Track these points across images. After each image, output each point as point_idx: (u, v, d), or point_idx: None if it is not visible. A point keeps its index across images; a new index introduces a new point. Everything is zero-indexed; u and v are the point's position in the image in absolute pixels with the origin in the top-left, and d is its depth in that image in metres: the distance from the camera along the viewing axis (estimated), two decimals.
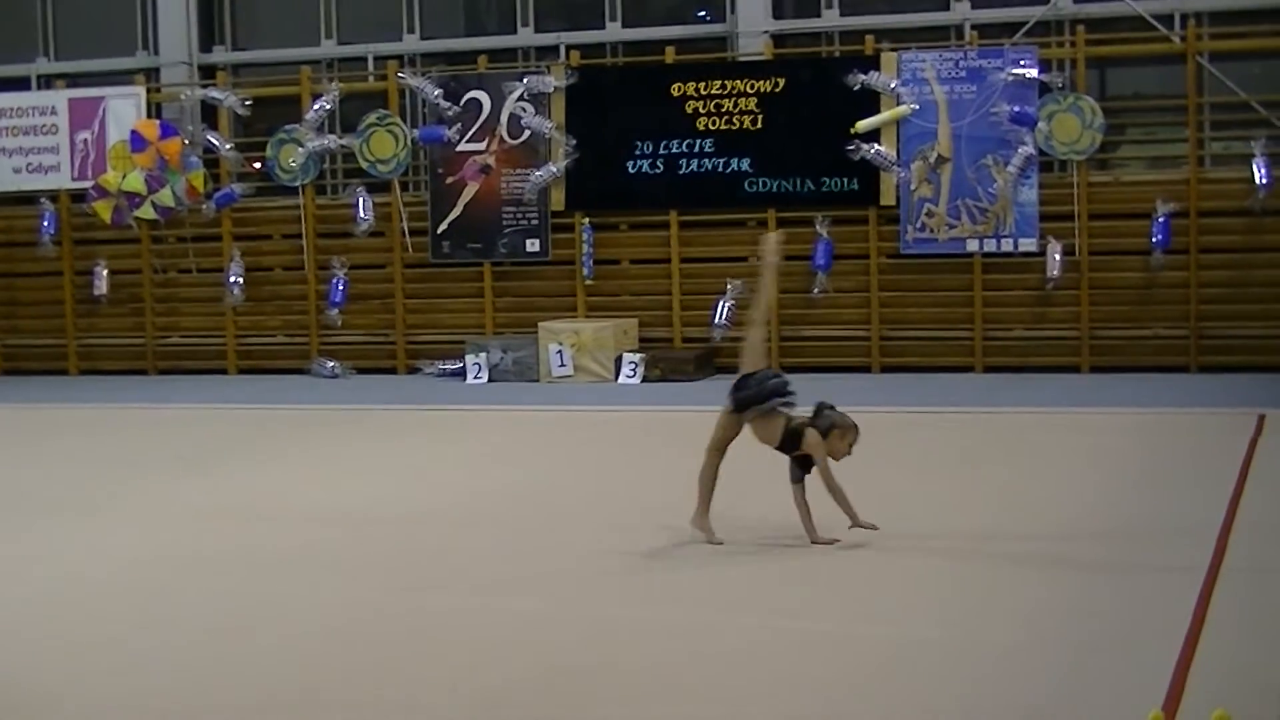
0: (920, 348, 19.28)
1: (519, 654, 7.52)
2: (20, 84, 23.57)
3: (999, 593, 8.51)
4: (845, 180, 19.32)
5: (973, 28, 20.14)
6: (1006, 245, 18.92)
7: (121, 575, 9.40)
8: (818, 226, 19.26)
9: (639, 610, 8.30)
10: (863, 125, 18.98)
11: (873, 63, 19.23)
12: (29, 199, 22.04)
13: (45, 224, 21.73)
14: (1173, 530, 9.95)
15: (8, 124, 21.99)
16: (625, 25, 21.97)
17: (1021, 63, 18.74)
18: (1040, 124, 18.58)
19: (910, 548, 9.59)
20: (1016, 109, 18.60)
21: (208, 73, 23.13)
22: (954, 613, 8.12)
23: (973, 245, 18.97)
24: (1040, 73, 18.75)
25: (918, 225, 19.14)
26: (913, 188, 19.09)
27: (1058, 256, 18.63)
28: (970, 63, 18.97)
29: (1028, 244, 18.84)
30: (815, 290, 19.30)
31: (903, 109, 19.03)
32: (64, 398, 19.41)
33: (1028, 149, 18.61)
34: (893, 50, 19.40)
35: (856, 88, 19.06)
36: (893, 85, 19.05)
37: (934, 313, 19.38)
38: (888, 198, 19.25)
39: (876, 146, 19.05)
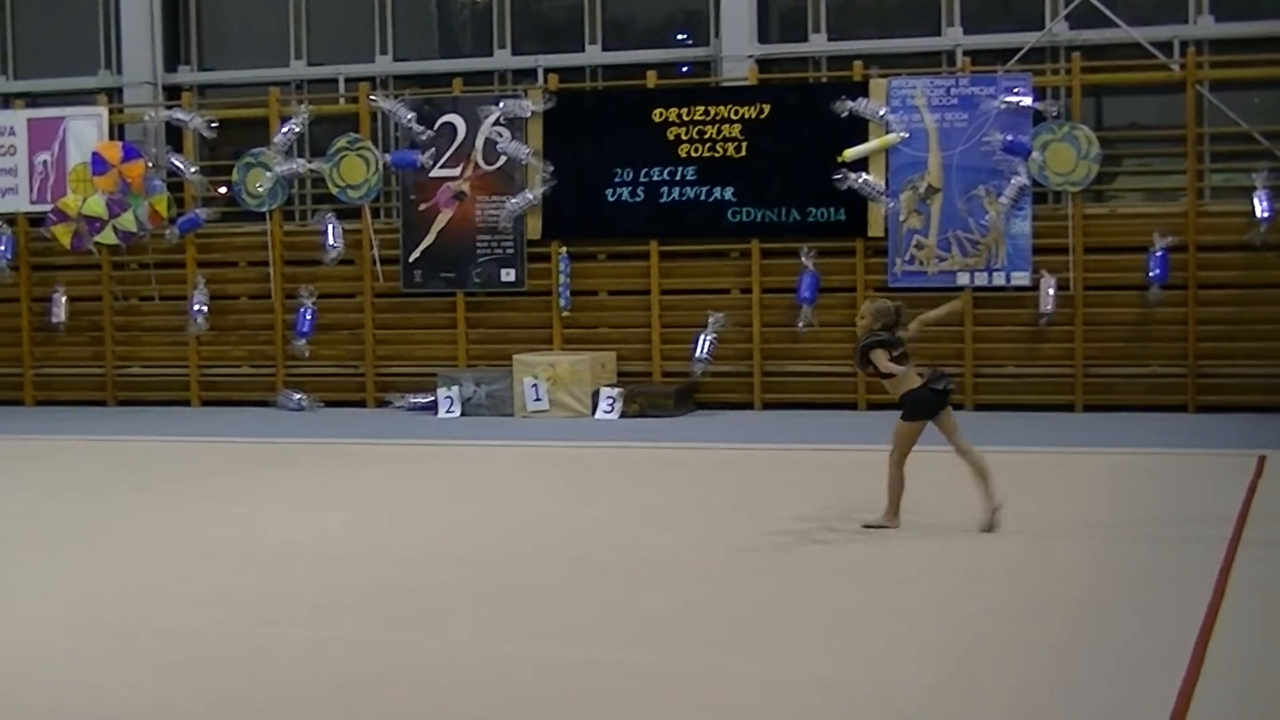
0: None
1: (488, 697, 7.51)
2: None
3: (990, 638, 8.49)
4: (832, 210, 19.36)
5: (965, 53, 20.22)
6: (998, 279, 18.97)
7: (77, 612, 9.35)
8: (803, 258, 19.30)
9: (605, 651, 8.29)
10: (850, 154, 19.03)
11: (861, 89, 19.29)
12: None
13: (1, 248, 21.72)
14: (1168, 579, 9.96)
15: None
16: (605, 48, 22.05)
17: (1015, 90, 18.82)
18: (1034, 154, 18.63)
19: (893, 587, 9.60)
20: (1010, 138, 18.66)
21: (173, 93, 23.15)
22: (943, 656, 8.12)
23: (963, 278, 18.98)
24: (1034, 101, 18.82)
25: (906, 257, 19.18)
26: (901, 219, 19.14)
27: (1051, 291, 18.69)
28: (962, 90, 19.04)
29: (1020, 278, 18.89)
30: (800, 324, 19.33)
31: (892, 137, 19.09)
32: (19, 429, 19.32)
33: (1021, 179, 18.67)
34: (882, 76, 19.47)
35: (844, 115, 19.12)
36: (881, 112, 19.12)
37: (923, 348, 19.24)
38: (876, 229, 19.29)
39: (864, 176, 19.10)
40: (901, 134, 19.09)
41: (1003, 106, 18.77)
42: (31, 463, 16.62)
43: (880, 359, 11.24)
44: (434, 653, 8.34)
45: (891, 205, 19.11)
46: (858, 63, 19.79)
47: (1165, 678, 7.47)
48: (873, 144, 19.14)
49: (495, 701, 7.45)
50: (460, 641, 8.58)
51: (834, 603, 9.36)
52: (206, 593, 9.85)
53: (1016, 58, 19.73)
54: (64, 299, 21.76)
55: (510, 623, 8.98)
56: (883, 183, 19.14)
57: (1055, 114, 18.82)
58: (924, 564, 10.40)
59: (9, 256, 21.79)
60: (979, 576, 10.05)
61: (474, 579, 10.17)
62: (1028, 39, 19.92)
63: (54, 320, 21.82)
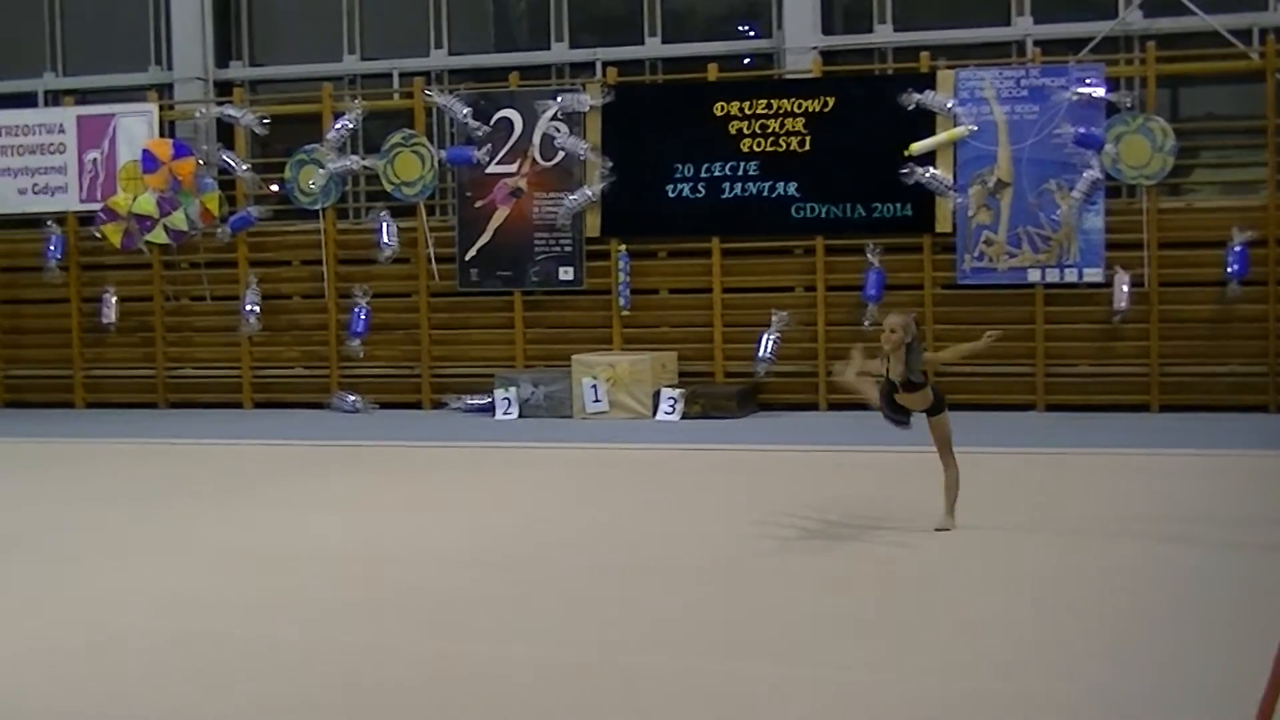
0: (978, 384, 19.12)
1: (541, 707, 7.45)
2: (26, 100, 23.72)
3: (1053, 647, 8.38)
4: (898, 206, 19.25)
5: (1035, 43, 20.09)
6: (1070, 275, 18.82)
7: (125, 619, 9.34)
8: (869, 255, 19.19)
9: (661, 658, 8.21)
10: (917, 147, 18.90)
11: (928, 81, 19.16)
12: (35, 222, 22.10)
13: (51, 248, 21.80)
14: (1249, 586, 9.81)
15: (13, 143, 22.08)
16: (665, 40, 21.99)
17: (1087, 81, 18.65)
18: (1107, 146, 18.48)
19: (963, 595, 9.50)
20: (1082, 130, 18.51)
21: (224, 89, 23.21)
22: (1006, 665, 8.01)
23: (1034, 275, 18.88)
24: (1107, 91, 18.66)
25: (975, 254, 19.06)
26: (970, 214, 19.01)
27: (1125, 288, 18.52)
28: (1032, 81, 18.89)
29: (1093, 274, 18.74)
30: (865, 323, 19.18)
31: (960, 130, 18.96)
32: (70, 432, 19.41)
33: (1093, 173, 18.51)
34: (949, 67, 19.33)
35: (910, 107, 18.98)
36: (949, 105, 18.99)
37: (993, 347, 19.14)
38: (943, 225, 19.16)
39: (932, 170, 18.98)
40: (970, 127, 18.95)
41: (1075, 98, 18.60)
42: (82, 467, 16.64)
43: (932, 363, 11.68)
44: (485, 659, 8.27)
45: (960, 200, 18.98)
46: (924, 54, 19.66)
47: (1244, 692, 7.34)
48: (940, 137, 19.01)
49: (549, 709, 7.40)
50: (509, 648, 8.50)
51: (911, 612, 9.25)
52: (255, 598, 9.83)
53: (1089, 47, 19.57)
54: (114, 299, 21.83)
55: (568, 629, 8.91)
56: (951, 177, 19.01)
57: (1129, 105, 18.65)
58: (996, 569, 10.28)
59: (59, 256, 21.86)
60: (1053, 581, 9.92)
61: (529, 585, 10.11)
62: (1100, 28, 19.76)
63: (104, 321, 21.89)
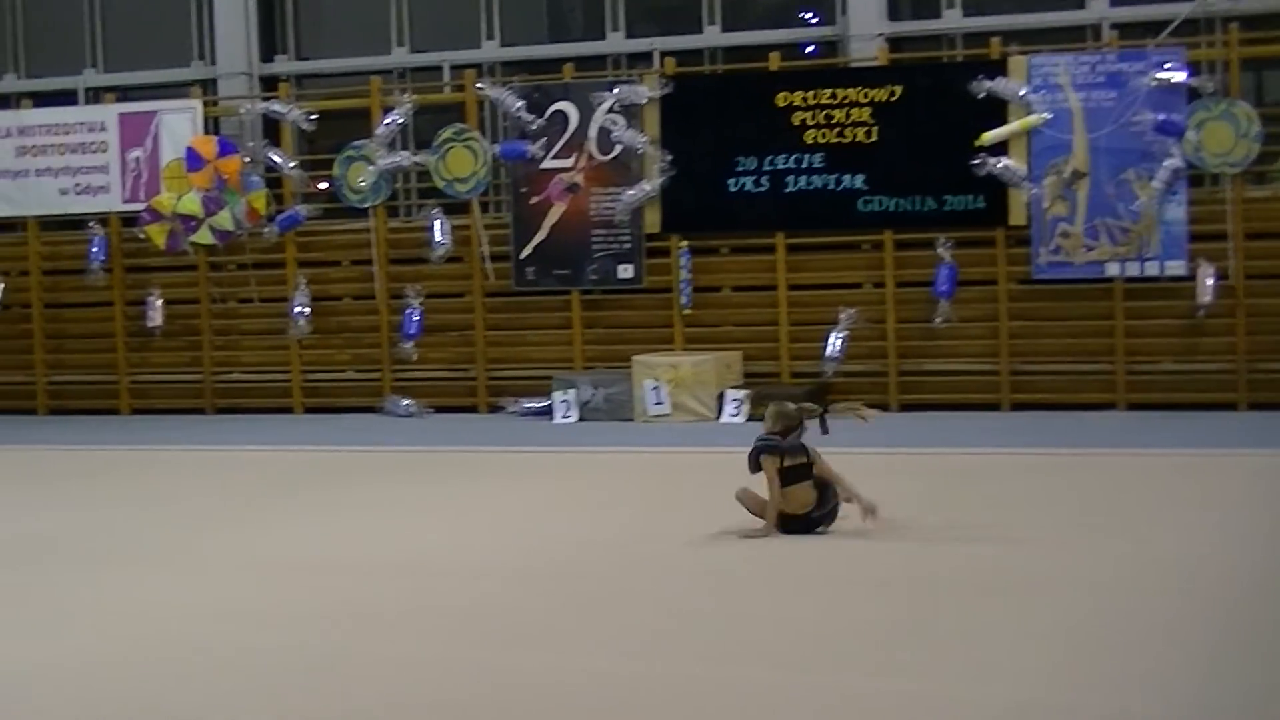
0: (1055, 383, 19.03)
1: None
2: (67, 98, 23.85)
3: (1121, 654, 8.25)
4: (970, 198, 19.14)
5: (1111, 27, 20.00)
6: (1151, 269, 18.67)
7: (173, 630, 9.30)
8: (939, 249, 19.08)
9: (722, 669, 8.14)
10: (989, 137, 18.79)
11: (999, 67, 19.03)
12: (77, 223, 22.19)
13: (94, 250, 21.86)
14: None
15: (54, 141, 22.13)
16: (725, 29, 21.98)
17: (1167, 65, 18.49)
18: (1188, 133, 18.33)
19: (1032, 601, 9.38)
20: (1161, 117, 18.35)
21: (269, 84, 23.27)
22: (1070, 674, 7.90)
23: (1113, 269, 18.75)
24: (1188, 76, 18.50)
25: (1051, 247, 18.93)
26: (1045, 206, 18.88)
27: (1210, 281, 18.37)
28: (1109, 66, 18.73)
29: (1175, 267, 18.59)
30: (937, 320, 19.10)
31: (1033, 119, 18.83)
32: (114, 439, 19.44)
33: (1174, 161, 18.36)
34: (1022, 53, 19.18)
35: (981, 95, 18.88)
36: (1022, 92, 18.85)
37: (1070, 344, 19.13)
38: (1017, 217, 19.03)
39: (1004, 160, 18.85)
40: (1044, 115, 18.81)
41: (1154, 83, 18.44)
42: (127, 474, 16.64)
43: (769, 468, 11.65)
44: (540, 671, 8.21)
45: (1034, 191, 18.85)
46: (995, 39, 19.53)
47: None
48: (1013, 126, 18.89)
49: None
50: (568, 659, 8.44)
51: (985, 620, 9.14)
52: (303, 609, 9.78)
53: (1168, 30, 19.39)
54: (159, 302, 21.85)
55: (633, 639, 8.85)
56: (1024, 167, 18.88)
57: (1211, 90, 18.51)
58: (1070, 575, 10.15)
59: (102, 258, 21.91)
60: (1135, 590, 9.79)
61: (590, 595, 10.03)
62: (1180, 10, 19.59)
63: (149, 324, 21.92)
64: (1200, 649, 8.34)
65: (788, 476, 11.55)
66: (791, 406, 12.07)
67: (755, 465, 11.74)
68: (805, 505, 11.57)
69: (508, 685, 8.05)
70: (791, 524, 11.53)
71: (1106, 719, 7.24)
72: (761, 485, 11.71)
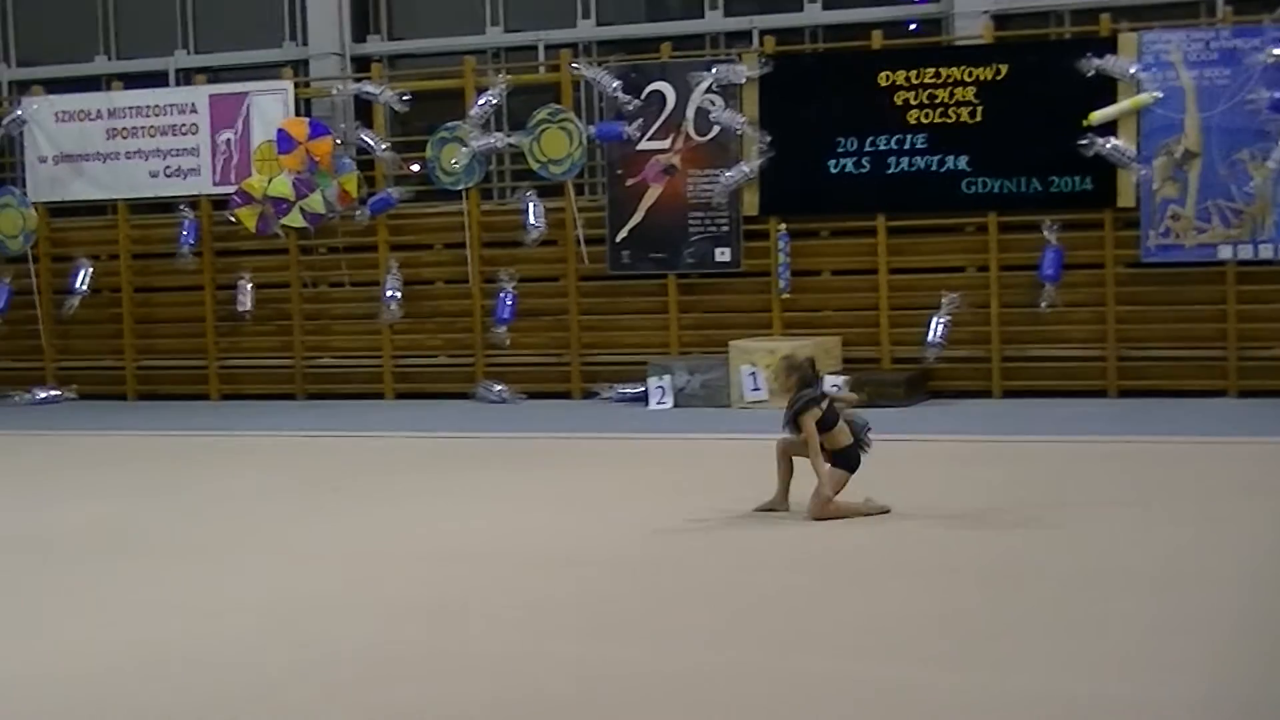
0: (1164, 369, 18.83)
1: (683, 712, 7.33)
2: (157, 79, 23.96)
3: (1198, 645, 8.12)
4: (1077, 179, 18.95)
5: (1226, 2, 19.76)
6: (1265, 252, 18.45)
7: (259, 620, 9.30)
8: (1046, 232, 18.90)
9: (840, 663, 8.06)
10: (1097, 116, 18.60)
11: (1109, 45, 18.82)
12: (167, 206, 22.34)
13: (184, 233, 21.97)
14: None
15: (144, 123, 22.25)
16: (826, 7, 21.88)
17: None
18: None
19: (1128, 594, 9.25)
20: (1278, 95, 18.13)
21: (361, 65, 23.33)
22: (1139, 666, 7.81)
23: (1225, 252, 18.54)
24: None
25: (1161, 230, 18.74)
26: (1155, 187, 18.68)
27: None
28: (1223, 43, 18.51)
29: None
30: (1043, 304, 18.93)
31: (1144, 97, 18.63)
32: (204, 425, 19.52)
33: None
34: (1132, 30, 18.98)
35: (1090, 74, 18.67)
36: (1132, 70, 18.64)
37: (1180, 329, 18.92)
38: (1126, 199, 18.84)
39: (1113, 140, 18.65)
40: (1155, 94, 18.61)
41: (1270, 60, 18.21)
42: (217, 461, 16.72)
43: (808, 424, 11.88)
44: (636, 663, 8.17)
45: (1144, 172, 18.65)
46: (1104, 16, 19.34)
47: None
48: (1123, 105, 18.69)
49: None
50: (661, 651, 8.41)
51: (1093, 612, 9.02)
52: (396, 600, 9.78)
53: None
54: (250, 286, 21.95)
55: (729, 630, 8.79)
56: (1134, 148, 18.67)
57: None
58: (1175, 569, 10.02)
59: (192, 242, 22.02)
60: (1232, 584, 9.65)
61: (683, 587, 10.00)
62: None
63: (240, 309, 22.02)
64: None
65: (827, 421, 11.90)
66: (798, 357, 12.62)
67: (795, 427, 12.00)
68: (849, 436, 11.94)
69: (595, 678, 8.01)
70: (848, 453, 11.97)
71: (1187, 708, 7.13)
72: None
